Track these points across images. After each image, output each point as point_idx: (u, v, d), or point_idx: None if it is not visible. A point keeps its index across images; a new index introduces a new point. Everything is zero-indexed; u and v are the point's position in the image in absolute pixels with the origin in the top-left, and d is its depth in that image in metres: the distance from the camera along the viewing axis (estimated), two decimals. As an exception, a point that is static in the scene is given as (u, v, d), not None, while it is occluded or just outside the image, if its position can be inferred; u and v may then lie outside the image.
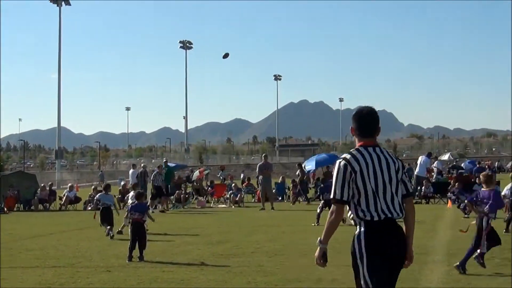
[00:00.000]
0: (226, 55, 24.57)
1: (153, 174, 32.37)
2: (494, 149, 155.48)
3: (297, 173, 38.71)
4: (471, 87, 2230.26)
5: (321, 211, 21.40)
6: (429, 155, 37.91)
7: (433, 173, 37.20)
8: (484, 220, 12.37)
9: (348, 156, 5.93)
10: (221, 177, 48.77)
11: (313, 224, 21.15)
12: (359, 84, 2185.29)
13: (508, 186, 20.64)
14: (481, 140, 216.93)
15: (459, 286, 10.57)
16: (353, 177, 5.86)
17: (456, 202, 29.46)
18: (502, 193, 19.91)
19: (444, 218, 23.06)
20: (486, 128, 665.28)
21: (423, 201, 31.52)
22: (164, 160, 38.29)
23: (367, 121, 6.13)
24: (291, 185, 36.65)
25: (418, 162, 36.94)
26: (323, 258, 6.20)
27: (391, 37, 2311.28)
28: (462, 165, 48.26)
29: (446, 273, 11.75)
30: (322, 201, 22.74)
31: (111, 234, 19.07)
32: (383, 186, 5.89)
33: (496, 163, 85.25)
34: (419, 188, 33.30)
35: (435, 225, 20.57)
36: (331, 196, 5.96)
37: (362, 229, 5.95)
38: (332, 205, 6.03)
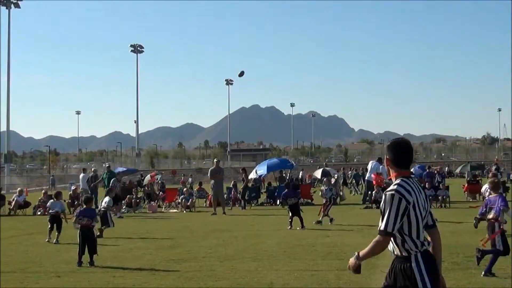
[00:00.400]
0: (241, 73, 24.66)
1: (112, 180, 32.15)
2: (443, 154, 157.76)
3: (241, 178, 38.75)
4: (420, 93, 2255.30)
5: (292, 218, 21.74)
6: (379, 160, 38.25)
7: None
8: (496, 225, 12.69)
9: (400, 188, 5.83)
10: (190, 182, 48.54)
11: (288, 228, 21.48)
12: (311, 90, 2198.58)
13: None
14: (431, 145, 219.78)
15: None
16: (408, 209, 5.81)
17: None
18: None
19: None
20: (435, 134, 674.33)
21: (374, 205, 31.79)
22: (107, 165, 38.02)
23: (406, 152, 6.09)
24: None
25: (369, 167, 37.30)
26: (358, 271, 6.17)
27: (341, 42, 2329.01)
28: (412, 170, 48.77)
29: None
30: (287, 206, 22.71)
31: (54, 242, 18.99)
32: (423, 217, 5.91)
33: (446, 168, 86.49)
34: (369, 192, 33.64)
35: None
36: (382, 228, 5.88)
37: (420, 260, 5.81)
38: (380, 236, 5.93)
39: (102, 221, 19.65)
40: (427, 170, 43.13)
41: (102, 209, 20.74)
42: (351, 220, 24.76)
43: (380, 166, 37.01)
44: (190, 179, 61.02)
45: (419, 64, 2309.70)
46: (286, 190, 23.23)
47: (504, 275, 11.97)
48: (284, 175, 42.71)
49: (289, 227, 21.62)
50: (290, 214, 22.00)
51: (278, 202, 36.35)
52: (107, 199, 22.18)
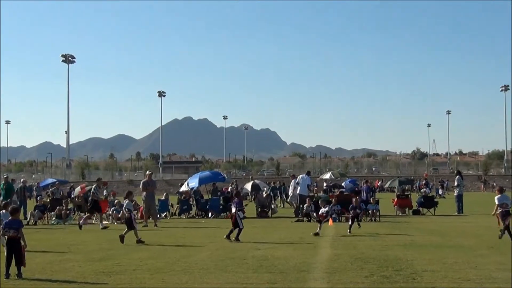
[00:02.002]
0: None
1: (93, 187, 31.71)
2: (374, 168, 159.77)
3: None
4: (351, 108, 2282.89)
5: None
6: (308, 173, 38.58)
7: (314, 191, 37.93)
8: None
9: None
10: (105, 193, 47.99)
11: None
12: (243, 102, 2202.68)
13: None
14: (362, 160, 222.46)
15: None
16: None
17: (337, 220, 30.15)
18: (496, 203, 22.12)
19: (325, 236, 23.46)
20: (366, 148, 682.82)
21: (305, 219, 31.98)
22: (5, 176, 37.54)
23: None
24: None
25: (297, 181, 37.51)
26: None
27: (272, 55, 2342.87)
28: (343, 183, 49.26)
29: (326, 291, 11.97)
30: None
31: None
32: None
33: (380, 182, 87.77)
34: (301, 206, 33.83)
35: (316, 243, 20.91)
36: None
37: None
38: None
39: None
40: (365, 185, 43.62)
41: None
42: (282, 233, 24.85)
43: (309, 179, 37.38)
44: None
45: (350, 78, 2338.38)
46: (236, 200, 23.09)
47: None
48: (216, 187, 42.62)
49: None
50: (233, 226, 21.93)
51: (210, 215, 36.33)
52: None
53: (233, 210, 22.25)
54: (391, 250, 18.61)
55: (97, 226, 30.62)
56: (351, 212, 26.26)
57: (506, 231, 21.23)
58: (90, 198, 31.52)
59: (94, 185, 31.91)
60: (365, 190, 40.83)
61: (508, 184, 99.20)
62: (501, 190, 23.04)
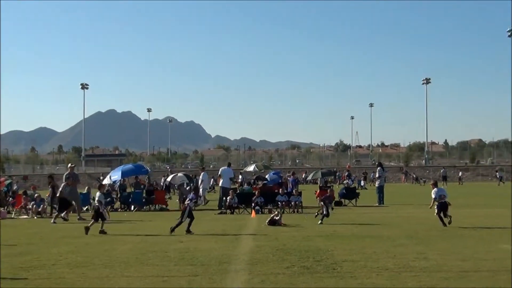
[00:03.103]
0: None
1: (62, 185, 30.92)
2: (298, 160, 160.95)
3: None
4: (275, 100, 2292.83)
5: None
6: (229, 165, 38.70)
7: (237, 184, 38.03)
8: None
9: None
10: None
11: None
12: (167, 95, 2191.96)
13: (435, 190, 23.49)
14: (286, 152, 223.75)
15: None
16: None
17: (260, 212, 30.28)
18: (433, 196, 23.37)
19: (247, 228, 23.53)
20: (290, 141, 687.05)
21: (228, 211, 32.03)
22: None
23: None
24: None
25: (219, 173, 37.59)
26: None
27: (197, 48, 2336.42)
28: (267, 176, 49.46)
29: (247, 282, 11.98)
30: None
31: None
32: None
33: (304, 174, 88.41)
34: (224, 198, 33.88)
35: (238, 235, 20.95)
36: None
37: None
38: None
39: None
40: (292, 177, 43.89)
41: None
42: (205, 225, 24.81)
43: (231, 171, 37.46)
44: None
45: (273, 71, 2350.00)
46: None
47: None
48: (139, 181, 42.29)
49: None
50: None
51: (132, 208, 36.05)
52: None
53: (187, 202, 22.17)
54: (313, 241, 18.77)
55: (17, 220, 30.09)
56: (321, 204, 26.28)
57: (441, 219, 22.66)
58: (9, 191, 30.91)
59: (63, 184, 31.37)
60: (292, 182, 41.12)
61: (428, 176, 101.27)
62: (435, 184, 24.12)
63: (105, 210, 22.94)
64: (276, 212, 26.15)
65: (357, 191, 42.55)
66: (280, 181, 44.67)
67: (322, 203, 26.05)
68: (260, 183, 41.79)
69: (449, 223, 22.57)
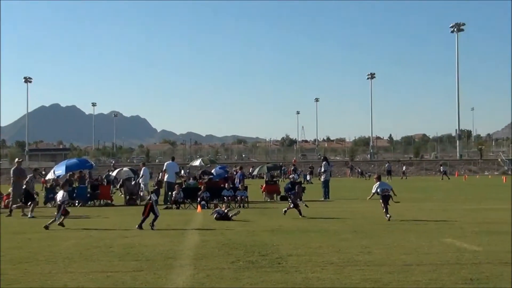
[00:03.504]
0: None
1: (29, 177, 30.30)
2: (244, 155, 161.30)
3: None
4: (222, 94, 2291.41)
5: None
6: (172, 159, 38.58)
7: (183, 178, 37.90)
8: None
9: None
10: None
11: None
12: (113, 89, 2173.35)
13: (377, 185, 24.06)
14: (232, 146, 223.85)
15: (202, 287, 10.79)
16: None
17: (206, 207, 30.22)
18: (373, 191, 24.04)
19: (193, 223, 23.47)
20: (236, 135, 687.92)
21: (174, 206, 31.90)
22: None
23: None
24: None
25: (164, 168, 37.45)
26: None
27: (141, 42, 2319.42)
28: (213, 170, 49.33)
29: (192, 276, 11.94)
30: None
31: None
32: None
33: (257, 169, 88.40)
34: (170, 193, 33.71)
35: (183, 230, 20.87)
36: None
37: None
38: None
39: None
40: (239, 171, 43.79)
41: None
42: (149, 220, 24.65)
43: (175, 165, 37.35)
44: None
45: (219, 65, 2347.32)
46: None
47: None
48: (83, 175, 41.86)
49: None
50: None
51: (77, 203, 35.63)
52: None
53: (151, 197, 22.00)
54: (258, 235, 18.81)
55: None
56: (291, 197, 26.23)
57: (385, 211, 23.27)
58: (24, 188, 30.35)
59: (30, 176, 30.87)
60: (239, 177, 41.10)
61: (373, 170, 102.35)
62: (379, 178, 24.57)
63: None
64: (229, 208, 26.31)
65: (302, 185, 42.71)
66: (226, 175, 44.63)
67: (290, 201, 26.08)
68: (206, 178, 41.67)
69: (388, 219, 23.10)
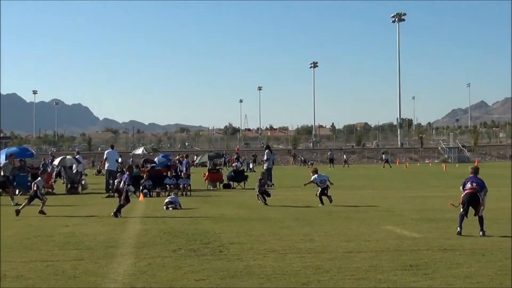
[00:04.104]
0: None
1: (4, 164, 29.62)
2: (187, 143, 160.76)
3: None
4: (164, 83, 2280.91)
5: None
6: (112, 147, 38.33)
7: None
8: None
9: None
10: None
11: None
12: (54, 77, 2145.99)
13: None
14: (175, 135, 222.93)
15: (144, 277, 10.72)
16: None
17: (148, 196, 30.07)
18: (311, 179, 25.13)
19: (135, 212, 23.33)
20: (179, 124, 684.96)
21: (116, 194, 31.64)
22: None
23: None
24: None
25: (105, 156, 37.17)
26: None
27: (82, 29, 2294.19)
28: (156, 159, 49.01)
29: (133, 265, 11.88)
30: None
31: None
32: None
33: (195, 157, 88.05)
34: (111, 181, 33.47)
35: (125, 218, 20.75)
36: None
37: None
38: None
39: None
40: (186, 159, 43.53)
41: None
42: (91, 209, 24.49)
43: (116, 153, 37.11)
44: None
45: (162, 52, 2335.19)
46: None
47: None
48: (23, 164, 41.19)
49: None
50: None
51: (17, 192, 35.06)
52: None
53: (121, 185, 21.88)
54: (200, 224, 18.81)
55: None
56: (258, 187, 26.06)
57: (320, 200, 24.33)
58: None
59: (5, 162, 30.40)
60: (185, 165, 40.93)
61: (316, 158, 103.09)
62: (316, 171, 25.10)
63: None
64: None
65: (245, 173, 42.81)
66: (168, 164, 44.42)
67: (258, 191, 25.99)
68: (149, 166, 41.43)
69: (330, 201, 24.37)
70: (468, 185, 15.80)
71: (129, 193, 22.30)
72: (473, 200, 15.64)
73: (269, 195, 25.85)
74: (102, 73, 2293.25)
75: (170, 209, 23.65)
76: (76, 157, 40.05)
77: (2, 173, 30.46)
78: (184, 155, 45.74)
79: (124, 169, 40.03)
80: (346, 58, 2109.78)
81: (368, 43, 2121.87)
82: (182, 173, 35.33)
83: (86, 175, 51.49)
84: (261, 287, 9.86)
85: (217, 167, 46.55)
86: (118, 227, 18.22)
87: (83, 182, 37.44)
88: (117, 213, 21.07)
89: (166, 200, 24.66)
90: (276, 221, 19.33)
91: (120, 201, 21.62)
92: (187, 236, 15.76)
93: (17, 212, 21.73)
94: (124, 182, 21.92)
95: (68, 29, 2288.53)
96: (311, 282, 10.12)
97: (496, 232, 15.98)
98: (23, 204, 22.35)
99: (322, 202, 24.29)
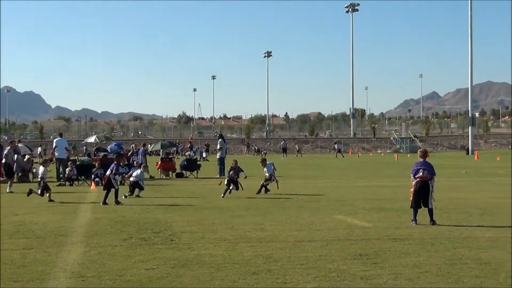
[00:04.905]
0: None
1: (7, 149, 29.07)
2: (140, 132, 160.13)
3: None
4: (117, 71, 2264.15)
5: None
6: (60, 135, 38.01)
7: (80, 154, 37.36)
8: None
9: None
10: None
11: None
12: (6, 64, 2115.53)
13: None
14: (128, 123, 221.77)
15: (94, 267, 10.64)
16: None
17: (99, 184, 29.85)
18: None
19: (86, 200, 23.17)
20: (133, 112, 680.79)
21: (67, 183, 31.39)
22: None
23: None
24: None
25: (54, 145, 36.83)
26: None
27: (36, 13, 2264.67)
28: (109, 147, 48.70)
29: (83, 254, 11.80)
30: None
31: None
32: None
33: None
34: (62, 170, 33.20)
35: (76, 207, 20.60)
36: None
37: None
38: None
39: None
40: (142, 148, 43.25)
41: None
42: (42, 198, 24.21)
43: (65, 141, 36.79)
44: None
45: (115, 39, 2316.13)
46: None
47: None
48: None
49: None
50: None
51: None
52: None
53: (108, 172, 21.90)
54: (152, 212, 18.75)
55: None
56: (229, 176, 25.41)
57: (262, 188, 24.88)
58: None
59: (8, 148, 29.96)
60: (142, 153, 40.74)
61: (269, 147, 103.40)
62: (264, 161, 25.43)
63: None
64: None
65: (198, 162, 42.77)
66: (121, 152, 44.14)
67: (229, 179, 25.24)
68: (101, 155, 41.14)
69: (266, 192, 25.07)
70: (420, 173, 15.97)
71: (116, 181, 22.13)
72: (424, 188, 15.81)
73: (238, 187, 24.81)
74: (54, 60, 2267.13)
75: (125, 195, 23.63)
76: (19, 145, 39.57)
77: None
78: (141, 144, 45.57)
79: (77, 158, 39.78)
80: (300, 48, 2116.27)
81: (322, 33, 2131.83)
82: (135, 162, 35.11)
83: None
84: (212, 276, 9.86)
85: (170, 156, 46.38)
86: (69, 215, 18.08)
87: (34, 170, 37.02)
88: (105, 201, 21.20)
89: (131, 179, 24.55)
90: (227, 210, 19.35)
91: (104, 189, 21.93)
92: (138, 225, 15.70)
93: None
94: (111, 170, 21.86)
95: (18, 14, 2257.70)
96: (261, 271, 10.15)
97: (446, 221, 16.21)
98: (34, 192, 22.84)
99: (262, 190, 24.88)
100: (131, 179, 24.54)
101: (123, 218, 17.30)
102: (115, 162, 22.65)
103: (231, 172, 24.86)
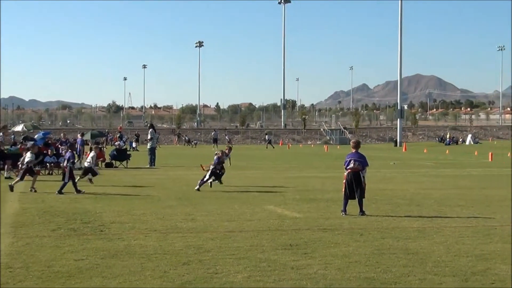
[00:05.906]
0: None
1: None
2: (69, 121, 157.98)
3: None
4: (44, 57, 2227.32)
5: None
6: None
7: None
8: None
9: None
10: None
11: None
12: None
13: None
14: (56, 112, 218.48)
15: (22, 257, 10.47)
16: None
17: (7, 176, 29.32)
18: None
19: (14, 189, 22.75)
20: (61, 101, 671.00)
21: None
22: None
23: None
24: None
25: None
26: None
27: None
28: (36, 136, 47.90)
29: (10, 245, 11.60)
30: None
31: None
32: None
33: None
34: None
35: (3, 197, 20.21)
36: None
37: None
38: None
39: None
40: (80, 137, 42.55)
41: None
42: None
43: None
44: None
45: (44, 27, 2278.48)
46: None
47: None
48: None
49: None
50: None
51: None
52: None
53: (65, 163, 21.86)
54: (81, 203, 18.53)
55: None
56: (212, 168, 24.47)
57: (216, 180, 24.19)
58: None
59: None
60: (80, 143, 40.18)
61: (200, 138, 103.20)
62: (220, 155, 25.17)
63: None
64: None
65: (128, 152, 42.39)
66: (48, 141, 43.43)
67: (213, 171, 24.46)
68: (28, 144, 40.40)
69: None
70: (351, 164, 16.15)
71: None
72: (356, 179, 16.00)
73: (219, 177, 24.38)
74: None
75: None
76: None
77: None
78: (80, 134, 45.04)
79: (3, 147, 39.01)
80: (232, 38, 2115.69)
81: (254, 23, 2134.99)
82: (63, 151, 34.58)
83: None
84: (142, 266, 9.80)
85: (100, 146, 45.83)
86: (-5, 206, 17.74)
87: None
88: (61, 191, 21.08)
89: (85, 164, 24.84)
90: (158, 200, 19.28)
91: (63, 179, 21.63)
92: (67, 215, 15.50)
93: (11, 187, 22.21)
94: (67, 160, 21.67)
95: None
96: (192, 262, 10.14)
97: (374, 212, 16.46)
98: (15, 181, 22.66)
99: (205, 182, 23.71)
100: (86, 164, 25.03)
101: (51, 208, 17.06)
102: (71, 151, 22.90)
103: (216, 164, 23.91)
